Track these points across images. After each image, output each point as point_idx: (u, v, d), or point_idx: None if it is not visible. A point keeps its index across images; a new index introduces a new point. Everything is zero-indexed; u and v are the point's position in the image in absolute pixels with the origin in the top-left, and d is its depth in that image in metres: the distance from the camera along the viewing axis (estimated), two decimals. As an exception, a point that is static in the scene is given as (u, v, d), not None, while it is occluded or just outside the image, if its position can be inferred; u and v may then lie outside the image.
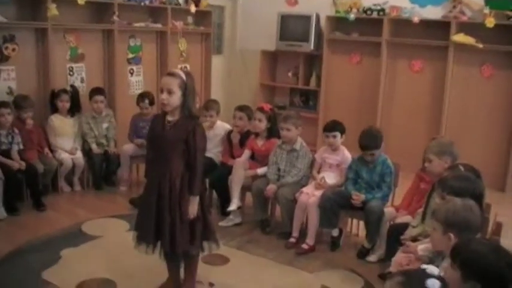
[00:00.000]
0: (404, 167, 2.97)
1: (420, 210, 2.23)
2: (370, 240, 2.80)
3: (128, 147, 3.99)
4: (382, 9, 4.65)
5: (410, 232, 2.15)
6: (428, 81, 4.60)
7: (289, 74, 5.28)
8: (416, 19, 4.43)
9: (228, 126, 3.53)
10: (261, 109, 3.14)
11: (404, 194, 2.67)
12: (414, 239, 2.05)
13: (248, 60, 5.56)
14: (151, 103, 4.05)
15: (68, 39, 4.01)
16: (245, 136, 3.29)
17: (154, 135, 2.15)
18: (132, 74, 4.52)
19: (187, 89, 2.09)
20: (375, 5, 4.67)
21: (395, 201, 2.86)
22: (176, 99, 2.10)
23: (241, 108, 3.36)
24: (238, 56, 5.64)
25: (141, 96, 4.05)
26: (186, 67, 4.81)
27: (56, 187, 3.73)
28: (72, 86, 4.03)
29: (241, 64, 5.65)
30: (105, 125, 4.01)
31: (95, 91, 4.01)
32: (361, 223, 2.92)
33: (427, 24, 4.54)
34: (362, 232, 2.95)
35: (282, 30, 4.92)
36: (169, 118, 2.13)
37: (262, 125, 3.11)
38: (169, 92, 2.06)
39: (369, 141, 2.76)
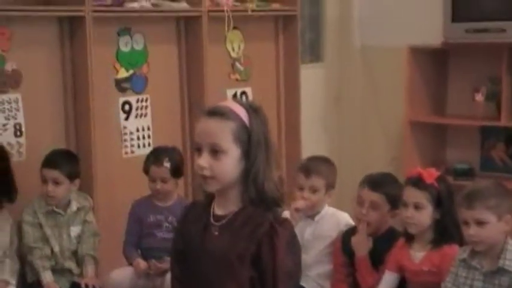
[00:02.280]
0: None
1: None
2: None
3: (122, 276, 3.20)
4: None
5: None
6: None
7: (478, 95, 3.87)
8: None
9: (347, 219, 3.07)
10: (416, 181, 2.77)
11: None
12: None
13: (378, 71, 4.40)
14: (177, 171, 3.27)
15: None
16: (383, 241, 2.89)
17: (188, 249, 1.99)
18: (127, 114, 3.42)
19: (252, 143, 1.87)
20: None
21: None
22: (230, 166, 1.86)
23: (375, 184, 2.93)
24: (356, 61, 4.43)
25: (155, 156, 3.28)
26: (244, 94, 3.98)
27: None
28: (-9, 144, 3.10)
29: (364, 79, 4.51)
30: (74, 230, 3.26)
31: (49, 160, 3.20)
32: None
33: None
34: None
35: (458, 1, 3.86)
36: (218, 210, 1.92)
37: (421, 216, 2.73)
38: (215, 152, 1.84)
39: None
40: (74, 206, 3.17)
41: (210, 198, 1.94)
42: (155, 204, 3.20)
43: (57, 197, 3.10)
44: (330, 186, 3.02)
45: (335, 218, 3.05)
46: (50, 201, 3.12)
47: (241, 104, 1.92)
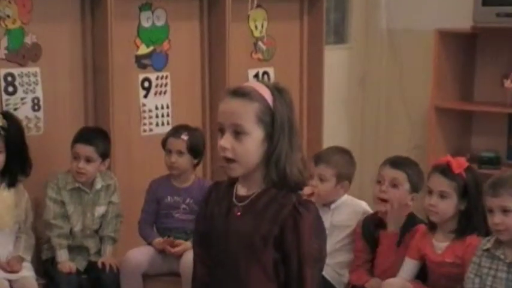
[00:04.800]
0: None
1: None
2: None
3: (140, 255, 3.20)
4: None
5: None
6: None
7: (507, 82, 3.88)
8: None
9: (364, 206, 3.10)
10: (444, 169, 2.78)
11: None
12: None
13: (404, 54, 4.40)
14: (195, 150, 3.25)
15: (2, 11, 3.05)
16: (405, 227, 2.90)
17: (210, 229, 1.99)
18: (147, 91, 3.43)
19: (276, 126, 1.88)
20: None
21: None
22: (252, 148, 1.87)
23: (396, 162, 2.96)
24: (382, 44, 4.42)
25: (175, 129, 3.33)
26: (266, 74, 3.99)
27: None
28: (6, 115, 3.10)
29: (390, 62, 4.55)
30: (99, 211, 3.25)
31: (83, 136, 3.17)
32: None
33: None
34: None
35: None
36: (241, 191, 1.94)
37: (445, 205, 2.75)
38: (238, 133, 1.86)
39: None
40: (98, 184, 3.15)
41: (233, 178, 1.95)
42: (173, 185, 3.20)
43: (87, 174, 3.08)
44: (342, 177, 2.99)
45: (352, 206, 3.04)
46: (79, 178, 3.10)
47: (266, 85, 1.92)
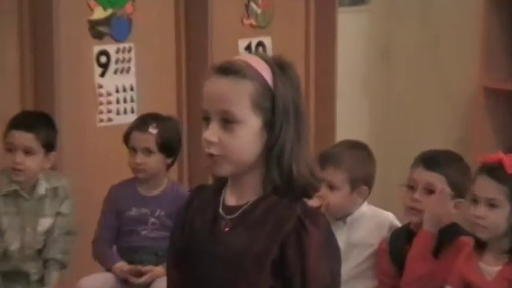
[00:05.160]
0: None
1: None
2: None
3: (95, 284, 3.31)
4: None
5: None
6: None
7: None
8: None
9: (391, 219, 3.15)
10: (494, 170, 2.83)
11: None
12: None
13: (441, 20, 4.40)
14: (167, 146, 3.33)
15: None
16: (446, 234, 2.98)
17: (190, 248, 2.03)
18: (104, 68, 3.54)
19: (278, 111, 1.92)
20: None
21: None
22: (246, 141, 1.91)
23: (432, 162, 3.01)
24: (411, 6, 4.40)
25: (140, 120, 3.40)
26: (261, 46, 4.10)
27: None
28: None
29: (421, 29, 4.66)
30: (43, 224, 3.32)
31: (20, 121, 3.25)
32: None
33: None
34: None
35: None
36: (230, 199, 1.98)
37: (496, 217, 2.81)
38: (227, 122, 1.89)
39: None
40: (42, 188, 3.18)
41: (221, 182, 1.97)
42: (139, 192, 3.25)
43: (26, 171, 3.07)
44: (357, 181, 2.99)
45: (374, 219, 3.05)
46: (15, 177, 3.08)
47: (264, 59, 1.93)
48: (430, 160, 2.89)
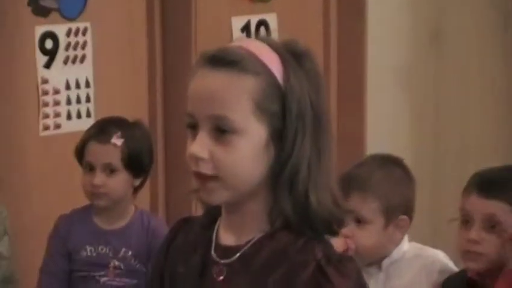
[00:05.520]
0: None
1: None
2: None
3: None
4: None
5: None
6: None
7: None
8: None
9: (441, 259, 3.15)
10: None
11: None
12: None
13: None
14: (135, 161, 3.39)
15: None
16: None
17: None
18: (51, 56, 3.94)
19: (290, 117, 1.91)
20: None
21: None
22: (247, 158, 1.91)
23: (491, 186, 3.04)
24: None
25: (98, 127, 3.46)
26: (264, 25, 4.28)
27: None
28: None
29: (485, 5, 4.94)
30: None
31: None
32: None
33: None
34: None
35: None
36: (225, 237, 1.97)
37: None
38: (221, 132, 1.88)
39: None
40: None
41: (213, 213, 1.96)
42: (96, 226, 3.30)
43: None
44: (394, 211, 3.03)
45: (420, 261, 3.09)
46: None
47: (272, 46, 1.91)
48: (487, 184, 2.90)
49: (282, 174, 1.87)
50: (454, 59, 4.84)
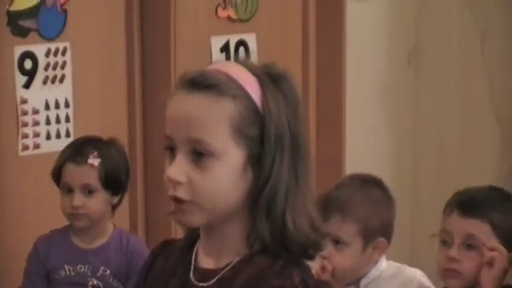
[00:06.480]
0: None
1: None
2: None
3: None
4: None
5: None
6: None
7: None
8: None
9: (419, 278, 3.22)
10: None
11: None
12: None
13: (490, 9, 4.94)
14: (113, 181, 3.41)
15: None
16: None
17: None
18: (30, 75, 3.93)
19: (268, 141, 1.92)
20: None
21: None
22: (225, 182, 1.92)
23: (471, 205, 3.08)
24: None
25: (75, 148, 3.47)
26: (243, 46, 4.28)
27: None
28: None
29: (463, 21, 4.95)
30: None
31: None
32: None
33: None
34: None
35: None
36: (204, 260, 1.98)
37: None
38: (199, 155, 1.91)
39: None
40: None
41: (193, 237, 1.97)
42: (74, 245, 3.30)
43: None
44: (373, 233, 3.02)
45: (398, 279, 3.10)
46: None
47: (250, 69, 1.92)
48: (468, 203, 2.91)
49: (259, 198, 1.89)
50: (433, 77, 4.86)
